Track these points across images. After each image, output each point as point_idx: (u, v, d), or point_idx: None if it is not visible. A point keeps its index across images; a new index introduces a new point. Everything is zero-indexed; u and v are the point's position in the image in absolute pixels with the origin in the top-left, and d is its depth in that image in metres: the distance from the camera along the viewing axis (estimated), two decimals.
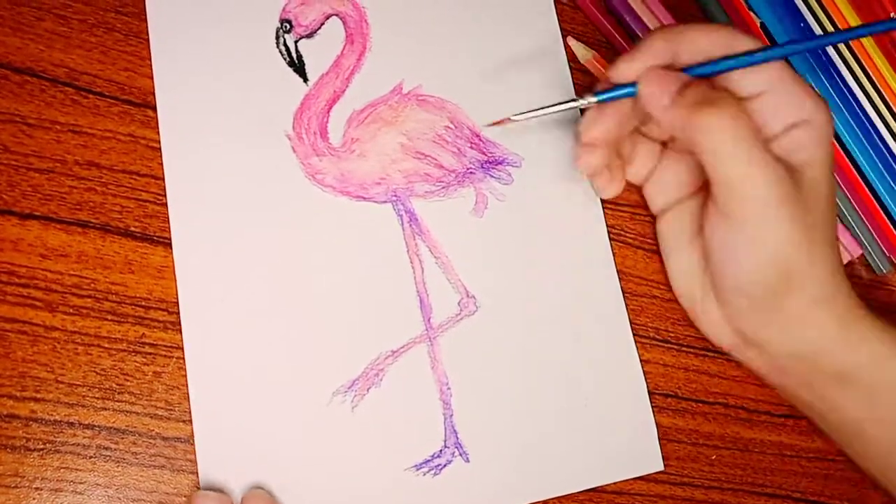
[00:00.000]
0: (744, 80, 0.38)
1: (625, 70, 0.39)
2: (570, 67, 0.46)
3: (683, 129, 0.36)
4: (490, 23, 0.45)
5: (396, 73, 0.43)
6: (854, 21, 0.52)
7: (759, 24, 0.50)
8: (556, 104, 0.40)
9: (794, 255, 0.37)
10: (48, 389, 0.35)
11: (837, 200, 0.49)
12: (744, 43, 0.38)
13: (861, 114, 0.51)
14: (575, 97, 0.40)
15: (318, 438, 0.38)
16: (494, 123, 0.41)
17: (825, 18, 0.51)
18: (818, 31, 0.51)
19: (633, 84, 0.38)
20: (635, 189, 0.46)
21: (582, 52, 0.46)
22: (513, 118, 0.40)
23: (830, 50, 0.51)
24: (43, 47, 0.38)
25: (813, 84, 0.49)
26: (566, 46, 0.46)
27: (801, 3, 0.51)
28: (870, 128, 0.51)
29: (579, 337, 0.42)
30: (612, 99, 0.39)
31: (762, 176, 0.35)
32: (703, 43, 0.38)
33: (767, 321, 0.39)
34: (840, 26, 0.52)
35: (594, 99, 0.39)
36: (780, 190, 0.35)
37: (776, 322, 0.39)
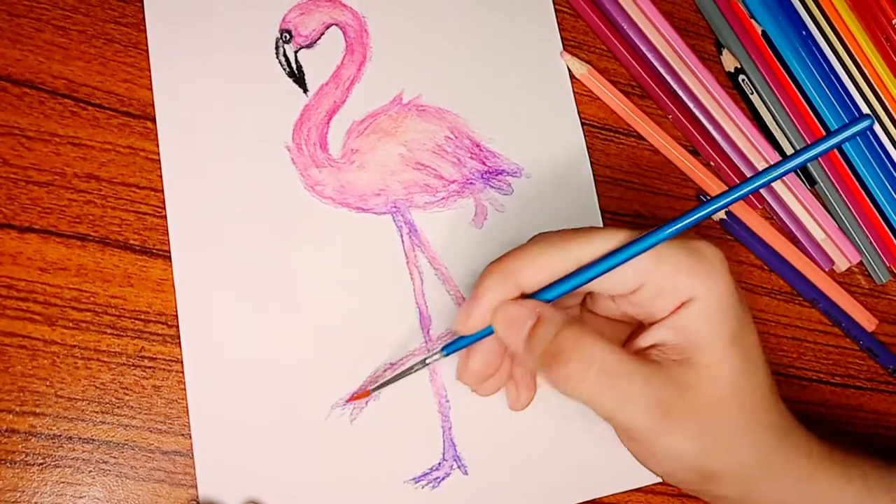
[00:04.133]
0: (606, 285, 0.34)
1: (468, 324, 0.34)
2: (571, 76, 0.46)
3: (548, 382, 0.33)
4: (490, 32, 0.45)
5: (396, 83, 0.43)
6: (854, 25, 0.52)
7: (760, 33, 0.49)
8: (408, 369, 0.37)
9: (699, 462, 0.33)
10: (47, 404, 0.35)
11: (837, 209, 0.49)
12: (593, 245, 0.33)
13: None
14: (426, 356, 0.36)
15: (317, 451, 0.38)
16: (356, 398, 0.39)
17: (827, 26, 0.51)
18: (818, 37, 0.51)
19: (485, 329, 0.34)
20: (634, 200, 0.46)
21: (576, 66, 0.46)
22: (372, 390, 0.38)
23: (830, 54, 0.51)
24: (42, 59, 0.38)
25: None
26: None
27: (803, 10, 0.51)
28: (869, 135, 0.51)
29: None
30: (459, 348, 0.36)
31: (636, 407, 0.32)
32: (540, 270, 0.33)
33: (712, 499, 0.37)
34: (841, 34, 0.52)
35: (441, 355, 0.36)
36: (654, 416, 0.32)
37: (720, 500, 0.36)
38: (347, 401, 0.38)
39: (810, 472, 0.36)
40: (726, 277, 0.33)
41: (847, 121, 0.50)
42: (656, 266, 0.32)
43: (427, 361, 0.36)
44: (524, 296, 0.34)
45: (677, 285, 0.32)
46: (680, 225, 0.32)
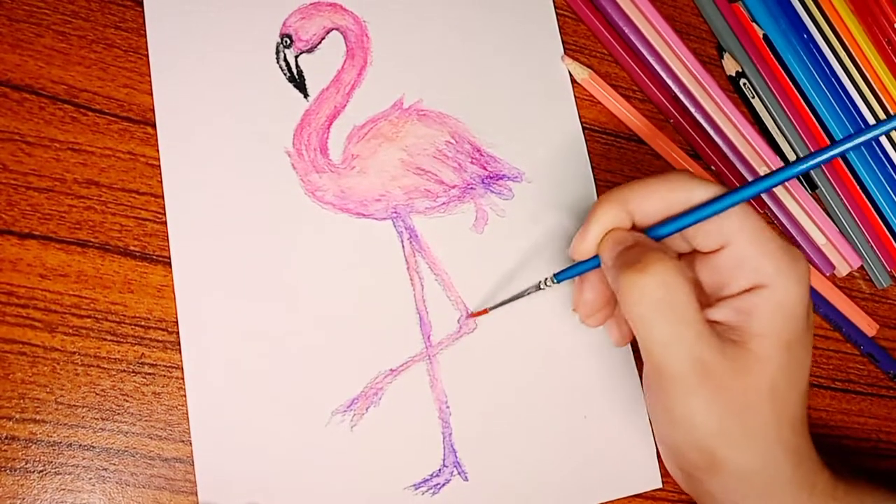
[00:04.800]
0: (700, 234, 0.34)
1: (580, 248, 0.36)
2: (572, 80, 0.46)
3: (616, 291, 0.33)
4: (491, 36, 0.45)
5: (397, 88, 0.43)
6: (856, 28, 0.52)
7: (761, 36, 0.49)
8: (521, 293, 0.39)
9: (710, 442, 0.33)
10: (48, 411, 0.35)
11: (839, 213, 0.49)
12: (700, 191, 0.34)
13: (863, 124, 0.50)
14: (540, 282, 0.38)
15: (318, 458, 0.38)
16: (474, 315, 0.41)
17: (828, 29, 0.51)
18: (820, 40, 0.51)
19: (595, 258, 0.36)
20: None
21: (578, 71, 0.46)
22: (489, 310, 0.40)
23: (832, 58, 0.51)
24: (42, 64, 0.38)
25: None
26: None
27: (805, 14, 0.51)
28: (871, 139, 0.50)
29: (578, 354, 0.42)
30: (571, 276, 0.38)
31: (681, 351, 0.32)
32: (655, 201, 0.35)
33: (700, 497, 0.37)
34: (842, 36, 0.52)
35: (554, 282, 0.38)
36: (693, 368, 0.32)
37: (708, 496, 0.36)
38: (468, 316, 0.41)
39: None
40: (805, 286, 0.33)
41: (847, 125, 0.50)
42: (748, 238, 0.33)
43: (541, 287, 0.38)
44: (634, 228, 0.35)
45: (758, 266, 0.33)
46: (768, 183, 0.33)
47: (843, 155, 0.32)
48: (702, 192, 0.34)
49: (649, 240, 0.34)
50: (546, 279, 0.38)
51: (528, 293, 0.39)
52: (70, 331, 0.36)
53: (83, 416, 0.35)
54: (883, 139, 0.51)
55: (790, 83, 0.49)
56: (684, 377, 0.32)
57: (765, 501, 0.34)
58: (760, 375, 0.32)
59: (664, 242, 0.35)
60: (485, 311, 0.40)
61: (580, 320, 0.39)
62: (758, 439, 0.33)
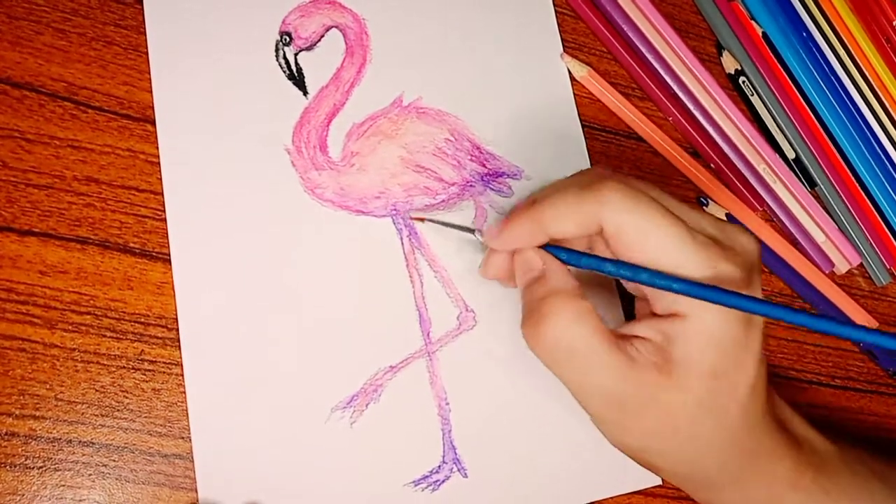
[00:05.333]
0: (620, 249, 0.33)
1: (490, 241, 0.36)
2: (571, 78, 0.46)
3: (522, 333, 0.34)
4: (491, 34, 0.45)
5: (396, 86, 0.43)
6: (855, 27, 0.52)
7: (760, 34, 0.49)
8: (458, 226, 0.40)
9: (648, 457, 0.34)
10: (47, 407, 0.35)
11: (838, 210, 0.49)
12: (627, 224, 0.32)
13: (862, 122, 0.50)
14: (474, 230, 0.38)
15: (317, 454, 0.38)
16: (416, 218, 0.41)
17: (827, 27, 0.51)
18: (819, 38, 0.51)
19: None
20: None
21: (577, 68, 0.46)
22: (426, 220, 0.40)
23: (832, 58, 0.51)
24: (42, 61, 0.38)
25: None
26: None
27: (804, 12, 0.51)
28: (870, 137, 0.51)
29: None
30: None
31: (590, 394, 0.33)
32: (569, 230, 0.33)
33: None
34: (842, 34, 0.52)
35: (481, 239, 0.38)
36: (616, 404, 0.32)
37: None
38: (412, 218, 0.41)
39: (766, 498, 0.36)
40: (730, 316, 0.32)
41: (847, 122, 0.50)
42: (674, 262, 0.32)
43: (475, 235, 0.38)
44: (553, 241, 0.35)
45: (676, 299, 0.32)
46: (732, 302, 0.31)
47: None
48: (632, 238, 0.32)
49: (558, 273, 0.34)
50: (477, 231, 0.38)
51: (462, 229, 0.39)
52: (70, 327, 0.36)
53: (83, 413, 0.35)
54: (883, 139, 0.51)
55: (789, 81, 0.49)
56: (601, 414, 0.33)
57: (729, 491, 0.35)
58: (683, 399, 0.32)
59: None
60: (422, 219, 0.40)
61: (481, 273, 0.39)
62: (692, 450, 0.33)
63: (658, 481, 0.42)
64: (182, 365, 0.37)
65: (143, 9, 0.40)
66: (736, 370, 0.33)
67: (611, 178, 0.33)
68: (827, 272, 0.49)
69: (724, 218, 0.47)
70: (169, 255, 0.37)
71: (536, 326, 0.32)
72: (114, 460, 0.35)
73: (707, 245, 0.32)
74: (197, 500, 0.36)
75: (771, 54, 0.49)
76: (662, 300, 0.33)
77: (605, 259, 0.33)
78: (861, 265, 0.50)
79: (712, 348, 0.32)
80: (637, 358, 0.32)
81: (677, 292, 0.31)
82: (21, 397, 0.35)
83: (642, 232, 0.32)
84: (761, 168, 0.48)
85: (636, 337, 0.33)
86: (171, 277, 0.37)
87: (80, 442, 0.35)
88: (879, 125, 0.51)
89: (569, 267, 0.35)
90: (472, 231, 0.38)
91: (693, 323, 0.32)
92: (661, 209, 0.32)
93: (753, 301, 0.30)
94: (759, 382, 0.34)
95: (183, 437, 0.36)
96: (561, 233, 0.34)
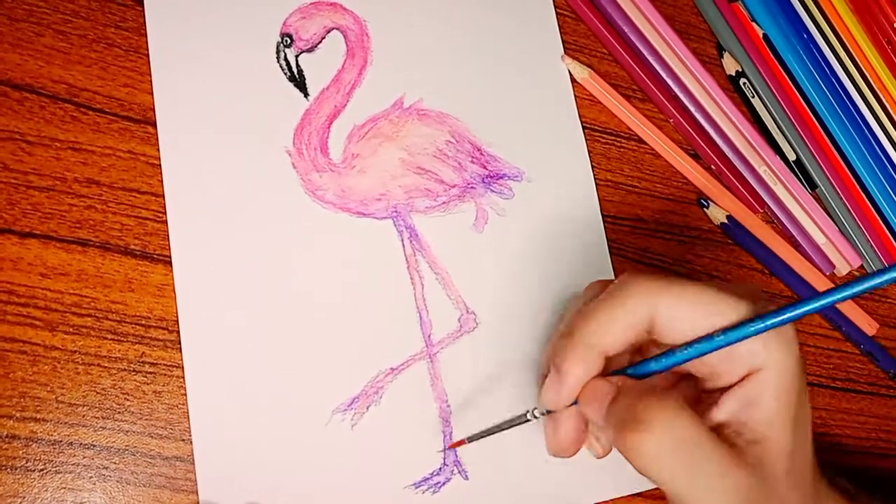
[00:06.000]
0: (678, 338, 0.33)
1: (556, 399, 0.34)
2: (572, 80, 0.46)
3: (619, 450, 0.32)
4: (492, 36, 0.45)
5: (397, 87, 0.43)
6: (856, 28, 0.52)
7: (761, 36, 0.49)
8: (507, 423, 0.37)
9: None
10: (48, 409, 0.35)
11: (838, 212, 0.49)
12: (678, 311, 0.32)
13: (862, 124, 0.50)
14: (526, 413, 0.36)
15: (318, 456, 0.38)
16: (452, 446, 0.39)
17: (827, 28, 0.51)
18: (820, 40, 0.51)
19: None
20: (636, 203, 0.46)
21: (578, 70, 0.46)
22: (467, 441, 0.38)
23: (831, 58, 0.51)
24: (42, 63, 0.38)
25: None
26: None
27: (804, 13, 0.51)
28: (871, 138, 0.51)
29: None
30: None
31: (713, 498, 0.30)
32: (622, 337, 0.33)
33: None
34: (842, 35, 0.52)
35: (540, 415, 0.36)
36: (736, 499, 0.30)
37: None
38: (449, 447, 0.39)
39: None
40: (797, 352, 0.32)
41: (847, 124, 0.50)
42: (729, 316, 0.31)
43: (529, 417, 0.36)
44: (609, 364, 0.34)
45: (751, 351, 0.31)
46: (785, 316, 0.31)
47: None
48: (681, 317, 0.32)
49: (636, 384, 0.33)
50: (533, 410, 0.36)
51: (514, 425, 0.36)
52: (71, 329, 0.36)
53: (84, 415, 0.35)
54: (883, 140, 0.51)
55: (790, 83, 0.49)
56: None
57: None
58: (780, 465, 0.32)
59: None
60: (462, 443, 0.38)
61: (554, 455, 0.37)
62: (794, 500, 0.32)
63: None
64: (183, 367, 0.37)
65: (143, 10, 0.40)
66: (804, 413, 0.33)
67: (629, 274, 0.33)
68: (827, 273, 0.49)
69: (726, 220, 0.47)
70: (170, 257, 0.37)
71: (640, 432, 0.30)
72: (115, 463, 0.35)
73: (738, 293, 0.32)
74: (198, 503, 0.36)
75: (772, 56, 0.49)
76: (737, 365, 0.32)
77: (673, 350, 0.32)
78: (861, 266, 0.50)
79: (793, 392, 0.32)
80: (736, 443, 0.32)
81: (760, 331, 0.31)
82: (22, 400, 0.35)
83: (690, 301, 0.32)
84: (762, 170, 0.48)
85: (722, 425, 0.32)
86: (172, 279, 0.37)
87: (80, 444, 0.35)
88: (880, 126, 0.51)
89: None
90: (524, 417, 0.36)
91: (771, 372, 0.31)
92: (684, 280, 0.33)
93: (832, 293, 0.30)
94: (813, 439, 0.34)
95: (184, 440, 0.36)
96: (614, 343, 0.33)
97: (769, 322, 0.30)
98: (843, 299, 0.31)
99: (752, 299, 0.32)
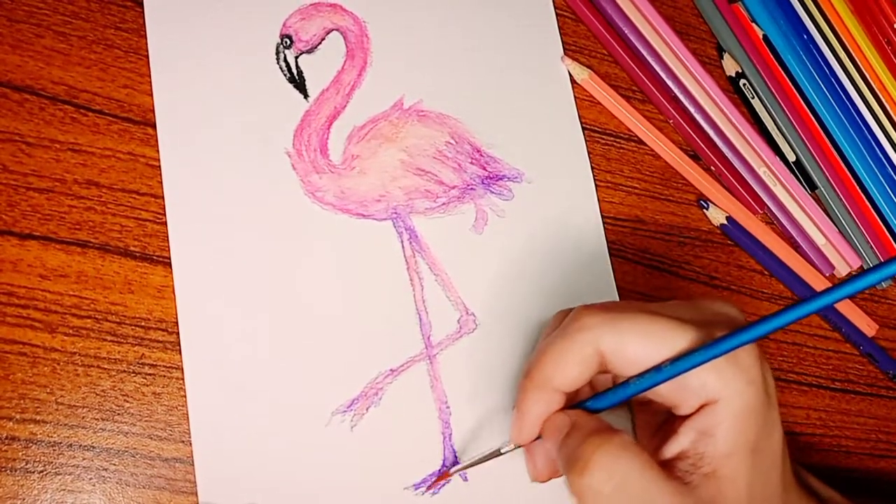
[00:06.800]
0: (630, 371, 0.33)
1: (519, 439, 0.35)
2: (572, 81, 0.46)
3: (568, 489, 0.33)
4: (491, 37, 0.45)
5: (397, 88, 0.43)
6: (856, 29, 0.52)
7: (761, 37, 0.49)
8: (483, 458, 0.37)
9: None
10: (48, 411, 0.35)
11: (838, 213, 0.49)
12: (630, 350, 0.32)
13: (862, 125, 0.51)
14: (501, 447, 0.36)
15: (318, 458, 0.38)
16: (437, 481, 0.39)
17: (827, 29, 0.51)
18: (820, 41, 0.51)
19: None
20: (635, 205, 0.46)
21: (577, 71, 0.46)
22: (451, 472, 0.38)
23: (831, 58, 0.51)
24: (42, 64, 0.38)
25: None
26: None
27: (804, 14, 0.51)
28: (871, 139, 0.51)
29: None
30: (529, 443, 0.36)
31: None
32: (574, 373, 0.33)
33: None
34: (842, 36, 0.52)
35: (512, 447, 0.36)
36: None
37: None
38: (430, 486, 0.39)
39: None
40: (756, 379, 0.31)
41: (847, 125, 0.50)
42: (682, 344, 0.31)
43: (502, 451, 0.36)
44: (573, 397, 0.34)
45: (704, 384, 0.31)
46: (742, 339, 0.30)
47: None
48: (630, 350, 0.32)
49: (584, 417, 0.33)
50: (507, 445, 0.36)
51: (490, 458, 0.37)
52: (70, 331, 0.36)
53: (83, 417, 0.35)
54: (883, 141, 0.51)
55: (790, 84, 0.50)
56: None
57: None
58: (737, 496, 0.31)
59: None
60: (447, 475, 0.39)
61: (534, 481, 0.38)
62: None
63: None
64: (182, 369, 0.37)
65: (143, 12, 0.40)
66: (768, 439, 0.32)
67: (580, 309, 0.33)
68: (827, 275, 0.49)
69: (725, 221, 0.47)
70: (169, 258, 0.37)
71: (581, 475, 0.30)
72: (114, 464, 0.35)
73: (694, 320, 0.32)
74: None
75: (771, 57, 0.49)
76: (690, 396, 0.32)
77: (624, 382, 0.33)
78: (861, 268, 0.50)
79: (752, 421, 0.31)
80: (689, 479, 0.31)
81: (706, 360, 0.30)
82: (21, 401, 0.35)
83: (638, 333, 0.32)
84: (762, 171, 0.48)
85: (677, 457, 0.32)
86: (172, 281, 0.37)
87: (80, 446, 0.35)
88: (880, 127, 0.51)
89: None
90: (498, 451, 0.37)
91: (727, 403, 0.31)
92: (638, 309, 0.33)
93: (786, 313, 0.30)
94: (786, 453, 0.34)
95: (183, 441, 0.36)
96: (567, 380, 0.33)
97: (714, 350, 0.30)
98: (788, 322, 0.30)
99: (708, 325, 0.32)
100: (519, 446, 0.36)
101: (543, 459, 0.37)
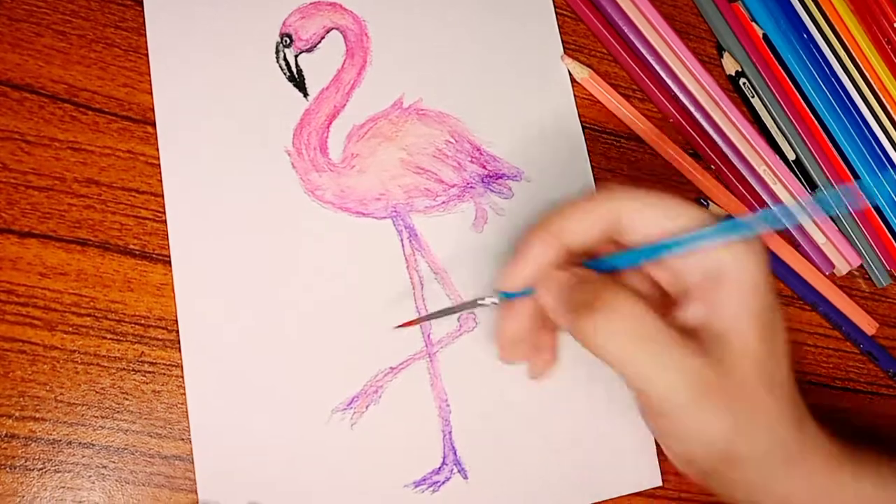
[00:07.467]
0: (642, 241, 0.33)
1: (512, 279, 0.35)
2: (571, 80, 0.46)
3: (575, 336, 0.32)
4: (491, 35, 0.45)
5: (397, 87, 0.43)
6: (855, 28, 0.52)
7: (761, 36, 0.49)
8: (462, 305, 0.37)
9: (727, 444, 0.32)
10: (47, 409, 0.35)
11: (838, 212, 0.49)
12: (645, 214, 0.33)
13: (862, 124, 0.50)
14: (482, 297, 0.37)
15: (318, 456, 0.38)
16: (404, 325, 0.39)
17: (827, 28, 0.51)
18: (820, 40, 0.51)
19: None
20: None
21: (577, 70, 0.46)
22: (419, 322, 0.38)
23: (831, 57, 0.51)
24: (42, 63, 0.38)
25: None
26: None
27: (804, 13, 0.51)
28: (871, 139, 0.51)
29: (578, 353, 0.42)
30: (513, 297, 0.36)
31: (672, 380, 0.30)
32: (591, 229, 0.33)
33: (722, 486, 0.35)
34: (842, 35, 0.52)
35: (495, 299, 0.36)
36: (691, 389, 0.31)
37: (732, 488, 0.35)
38: (399, 325, 0.39)
39: (823, 466, 0.35)
40: (761, 256, 0.32)
41: (847, 124, 0.50)
42: (694, 224, 0.32)
43: (480, 302, 0.36)
44: (570, 257, 0.34)
45: (718, 258, 0.32)
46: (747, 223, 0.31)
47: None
48: (648, 215, 0.33)
49: (594, 274, 0.33)
50: (489, 297, 0.36)
51: (473, 306, 0.37)
52: (70, 329, 0.36)
53: (83, 414, 0.35)
54: (883, 140, 0.51)
55: (789, 82, 0.49)
56: (685, 401, 0.31)
57: (785, 470, 0.34)
58: (749, 365, 0.32)
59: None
60: (413, 322, 0.39)
61: (499, 356, 0.38)
62: (764, 424, 0.32)
63: (659, 482, 0.42)
64: (182, 367, 0.37)
65: (143, 10, 0.40)
66: (776, 323, 0.33)
67: (611, 182, 0.34)
68: (827, 273, 0.49)
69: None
70: (169, 256, 0.37)
71: (594, 312, 0.30)
72: (114, 462, 0.35)
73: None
74: (197, 502, 0.36)
75: (771, 56, 0.49)
76: (700, 273, 0.32)
77: (638, 249, 0.33)
78: (861, 266, 0.50)
79: (761, 296, 0.32)
80: (700, 337, 0.32)
81: (726, 232, 0.31)
82: (21, 399, 0.35)
83: (658, 205, 0.33)
84: (762, 169, 0.48)
85: (684, 325, 0.32)
86: (172, 279, 0.37)
87: (80, 444, 0.35)
88: (880, 126, 0.51)
89: None
90: (475, 301, 0.37)
91: (736, 280, 0.32)
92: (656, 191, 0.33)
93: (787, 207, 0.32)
94: (790, 362, 0.34)
95: (183, 439, 0.36)
96: (578, 234, 0.33)
97: (737, 226, 0.31)
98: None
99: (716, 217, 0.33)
100: (504, 296, 0.35)
101: (524, 319, 0.36)
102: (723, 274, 0.32)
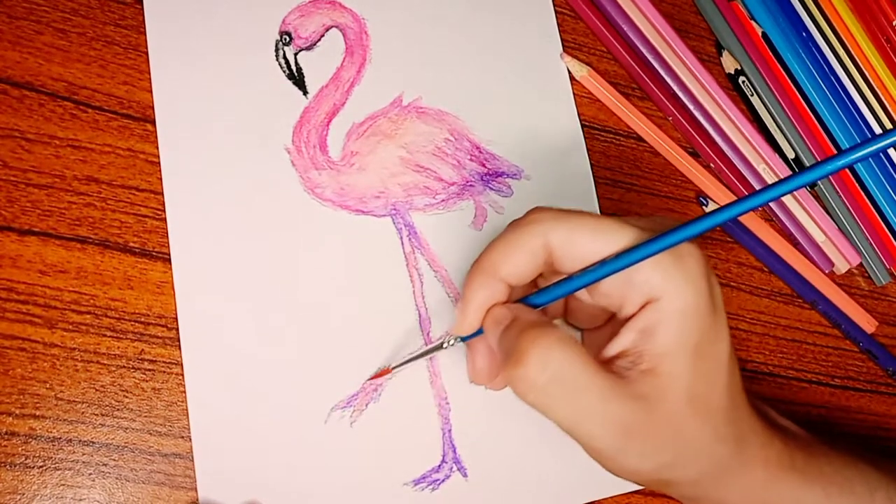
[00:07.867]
0: (574, 267, 0.33)
1: (461, 325, 0.35)
2: (571, 78, 0.46)
3: (506, 382, 0.33)
4: (490, 34, 0.45)
5: (396, 85, 0.43)
6: (855, 27, 0.52)
7: (760, 34, 0.49)
8: (429, 350, 0.37)
9: (657, 475, 0.33)
10: (47, 406, 0.35)
11: (837, 210, 0.49)
12: (580, 241, 0.32)
13: (861, 122, 0.50)
14: (448, 339, 0.36)
15: (317, 454, 0.38)
16: (376, 376, 0.39)
17: (827, 27, 0.51)
18: (819, 38, 0.51)
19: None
20: (634, 202, 0.46)
21: (577, 68, 0.46)
22: (392, 369, 0.38)
23: (831, 56, 0.51)
24: (42, 61, 0.38)
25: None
26: None
27: (804, 12, 0.51)
28: (869, 136, 0.51)
29: None
30: (470, 339, 0.35)
31: (592, 425, 0.30)
32: (523, 265, 0.33)
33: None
34: (841, 34, 0.52)
35: (454, 341, 0.36)
36: (612, 436, 0.31)
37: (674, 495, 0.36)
38: (372, 378, 0.39)
39: (764, 481, 0.35)
40: (700, 281, 0.31)
41: (846, 122, 0.50)
42: (627, 241, 0.32)
43: (444, 346, 0.36)
44: (515, 293, 0.34)
45: (647, 280, 0.31)
46: (683, 235, 0.31)
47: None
48: (577, 241, 0.32)
49: (525, 311, 0.33)
50: (450, 339, 0.36)
51: (431, 352, 0.37)
52: (70, 327, 0.36)
53: (83, 412, 0.35)
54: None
55: (789, 81, 0.50)
56: (607, 447, 0.31)
57: (719, 490, 0.34)
58: (678, 395, 0.31)
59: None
60: (388, 371, 0.38)
61: (473, 381, 0.37)
62: (694, 451, 0.32)
63: None
64: (182, 364, 0.37)
65: (143, 8, 0.40)
66: (712, 346, 0.32)
67: (534, 209, 0.34)
68: (827, 272, 0.49)
69: None
70: (169, 254, 0.37)
71: (517, 367, 0.30)
72: (114, 459, 0.35)
73: (643, 225, 0.32)
74: (197, 500, 0.36)
75: (770, 54, 0.49)
76: (634, 294, 0.32)
77: (567, 278, 0.33)
78: (861, 265, 0.50)
79: (694, 323, 0.31)
80: (627, 374, 0.31)
81: (653, 253, 0.31)
82: (21, 396, 0.35)
83: (585, 229, 0.32)
84: (761, 168, 0.48)
85: (618, 356, 0.32)
86: (171, 277, 0.37)
87: (80, 441, 0.35)
88: (879, 125, 0.51)
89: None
90: (440, 345, 0.36)
91: (669, 301, 0.31)
92: (586, 211, 0.33)
93: (721, 212, 0.31)
94: (734, 366, 0.33)
95: (183, 437, 0.36)
96: (514, 270, 0.33)
97: (657, 245, 0.30)
98: (728, 218, 0.31)
99: (655, 231, 0.32)
100: (461, 339, 0.35)
101: (483, 358, 0.36)
102: (654, 300, 0.31)
